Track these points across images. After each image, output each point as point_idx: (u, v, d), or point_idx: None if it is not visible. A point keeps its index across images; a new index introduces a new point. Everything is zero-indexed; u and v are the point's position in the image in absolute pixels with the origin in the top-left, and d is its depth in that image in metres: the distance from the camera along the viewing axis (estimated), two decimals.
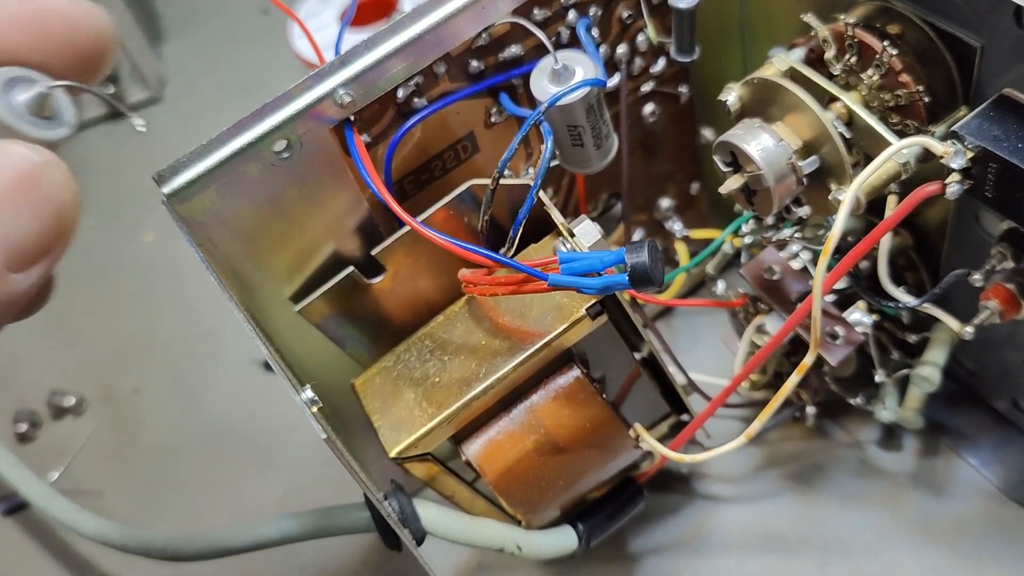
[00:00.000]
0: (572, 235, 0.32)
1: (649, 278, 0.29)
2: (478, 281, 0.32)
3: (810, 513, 0.43)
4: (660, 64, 0.40)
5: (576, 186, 0.41)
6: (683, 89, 0.42)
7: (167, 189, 0.30)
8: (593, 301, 0.32)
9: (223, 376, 0.55)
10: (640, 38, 0.38)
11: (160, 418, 0.54)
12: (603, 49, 0.37)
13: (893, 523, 0.42)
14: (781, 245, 0.38)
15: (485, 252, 0.31)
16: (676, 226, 0.45)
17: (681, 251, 0.46)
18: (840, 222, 0.30)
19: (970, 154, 0.29)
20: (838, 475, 0.43)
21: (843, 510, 0.42)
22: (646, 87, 0.40)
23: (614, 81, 0.38)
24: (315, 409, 0.29)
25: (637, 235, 0.45)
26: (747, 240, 0.40)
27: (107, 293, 0.60)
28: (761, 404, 0.44)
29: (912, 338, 0.40)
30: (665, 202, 0.45)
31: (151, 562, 0.43)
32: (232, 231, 0.32)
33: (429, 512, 0.34)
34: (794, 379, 0.32)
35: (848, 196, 0.30)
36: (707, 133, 0.44)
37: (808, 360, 0.32)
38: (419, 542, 0.34)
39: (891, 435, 0.44)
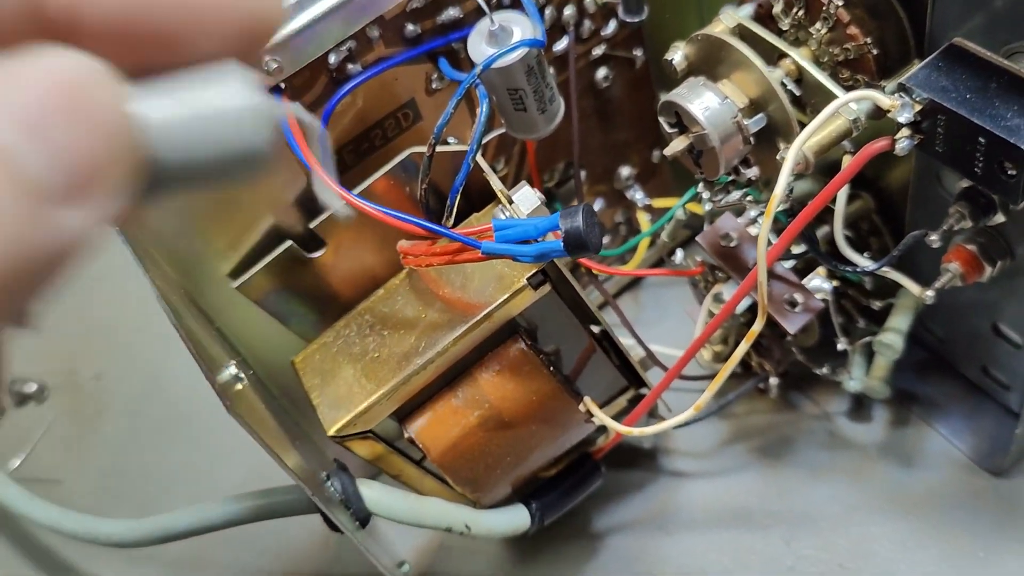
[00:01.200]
0: (511, 202, 0.31)
1: (584, 243, 0.28)
2: (415, 252, 0.31)
3: (777, 487, 0.42)
4: (611, 26, 0.38)
5: (528, 155, 0.39)
6: (638, 52, 0.40)
7: None
8: (534, 270, 0.31)
9: (185, 360, 0.54)
10: None
11: (121, 404, 0.53)
12: (549, 11, 0.36)
13: (862, 496, 0.41)
14: (739, 211, 0.37)
15: (416, 221, 0.29)
16: (638, 195, 0.44)
17: (643, 221, 0.44)
18: (783, 180, 0.28)
19: (918, 107, 0.28)
20: (806, 448, 0.42)
21: (811, 483, 0.41)
22: (597, 51, 0.39)
23: (562, 45, 0.37)
24: (239, 387, 0.28)
25: (597, 205, 0.44)
26: (707, 207, 0.38)
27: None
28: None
29: (876, 305, 0.39)
30: (625, 171, 0.44)
31: (112, 549, 0.42)
32: (162, 208, 0.31)
33: (372, 492, 0.33)
34: (743, 347, 0.31)
35: (791, 153, 0.28)
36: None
37: (756, 327, 0.31)
38: (363, 523, 0.33)
39: (860, 405, 0.43)
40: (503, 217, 0.31)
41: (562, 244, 0.28)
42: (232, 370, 0.28)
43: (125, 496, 0.50)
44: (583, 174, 0.43)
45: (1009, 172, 0.27)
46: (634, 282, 0.49)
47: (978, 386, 0.41)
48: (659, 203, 0.44)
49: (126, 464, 0.51)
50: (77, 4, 0.17)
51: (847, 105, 0.30)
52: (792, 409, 0.43)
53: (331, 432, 0.32)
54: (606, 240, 0.46)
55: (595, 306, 0.34)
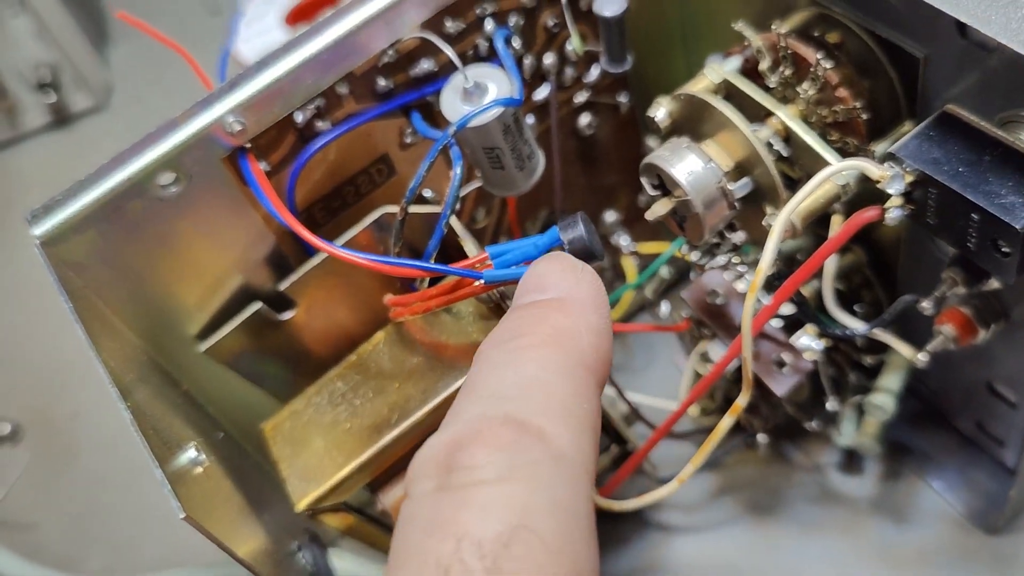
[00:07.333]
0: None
1: (591, 252, 0.27)
2: (406, 302, 0.30)
3: (766, 543, 0.40)
4: (594, 73, 0.37)
5: (508, 206, 0.38)
6: (622, 98, 0.39)
7: (39, 231, 0.28)
8: None
9: None
10: (569, 47, 0.36)
11: (97, 444, 0.52)
12: (529, 60, 0.35)
13: (853, 553, 0.39)
14: (725, 266, 0.36)
15: (409, 262, 0.28)
16: (623, 241, 0.43)
17: (628, 268, 0.43)
18: (769, 254, 0.27)
19: (909, 178, 0.27)
20: (796, 502, 0.41)
21: (801, 539, 0.40)
22: (580, 98, 0.38)
23: (543, 93, 0.36)
24: (198, 471, 0.26)
25: None
26: (692, 274, 0.37)
27: (41, 312, 0.57)
28: (711, 431, 0.42)
29: (868, 360, 0.37)
30: (610, 216, 0.43)
31: None
32: (119, 273, 0.30)
33: (345, 564, 0.32)
34: (727, 422, 0.30)
35: (777, 225, 0.27)
36: (652, 143, 0.41)
37: (741, 402, 0.29)
38: None
39: (852, 458, 0.42)
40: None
41: None
42: (191, 453, 0.26)
43: (100, 539, 0.49)
44: None
45: (1003, 250, 0.26)
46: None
47: (972, 440, 0.40)
48: (645, 248, 0.43)
49: (101, 506, 0.50)
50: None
51: None
52: (782, 461, 0.42)
53: (300, 507, 0.30)
54: None
55: None
